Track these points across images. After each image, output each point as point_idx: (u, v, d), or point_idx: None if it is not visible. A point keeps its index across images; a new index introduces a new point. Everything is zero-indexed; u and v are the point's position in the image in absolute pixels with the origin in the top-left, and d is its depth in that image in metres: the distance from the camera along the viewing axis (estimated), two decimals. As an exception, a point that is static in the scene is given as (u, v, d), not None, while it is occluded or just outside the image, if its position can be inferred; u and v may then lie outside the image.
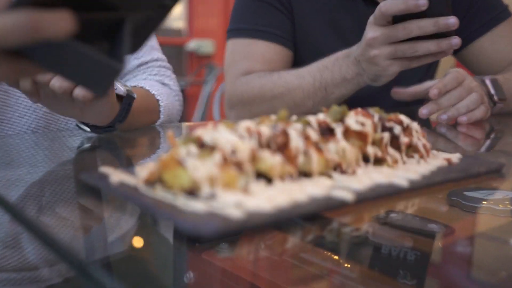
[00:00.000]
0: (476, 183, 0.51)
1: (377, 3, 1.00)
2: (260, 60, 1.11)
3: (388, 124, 0.52)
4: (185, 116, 3.51)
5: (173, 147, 0.41)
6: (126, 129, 0.84)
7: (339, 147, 0.46)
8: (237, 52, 1.14)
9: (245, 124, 0.43)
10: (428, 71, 1.24)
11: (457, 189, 0.48)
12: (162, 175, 0.41)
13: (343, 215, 0.40)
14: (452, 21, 0.83)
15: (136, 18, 0.38)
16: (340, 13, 1.14)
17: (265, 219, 0.35)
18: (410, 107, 1.10)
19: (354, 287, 0.30)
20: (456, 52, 1.22)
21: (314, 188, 0.40)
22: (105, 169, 0.46)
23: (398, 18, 0.85)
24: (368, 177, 0.44)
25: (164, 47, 1.13)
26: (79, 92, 0.69)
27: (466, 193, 0.47)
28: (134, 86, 0.94)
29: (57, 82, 0.68)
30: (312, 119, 0.47)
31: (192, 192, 0.38)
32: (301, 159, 0.43)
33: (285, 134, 0.43)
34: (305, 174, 0.44)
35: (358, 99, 0.97)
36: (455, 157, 0.55)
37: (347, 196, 0.40)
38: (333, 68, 0.97)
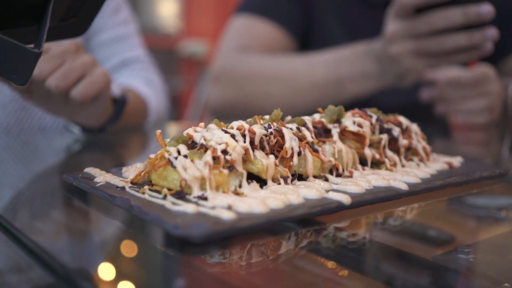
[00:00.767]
0: (478, 188, 0.49)
1: None
2: (259, 39, 1.02)
3: (387, 126, 0.50)
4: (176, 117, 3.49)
5: (162, 147, 0.40)
6: (114, 130, 0.82)
7: (336, 148, 0.45)
8: (237, 27, 1.06)
9: (238, 123, 0.41)
10: None
11: (458, 195, 0.46)
12: (151, 175, 0.39)
13: (338, 219, 0.38)
14: (485, 9, 0.72)
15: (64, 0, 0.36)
16: (359, 18, 1.08)
17: (258, 222, 0.33)
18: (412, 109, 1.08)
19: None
20: (496, 61, 1.06)
21: (309, 191, 0.39)
22: (90, 170, 0.44)
23: (421, 9, 0.74)
24: (365, 180, 0.43)
25: (157, 48, 1.12)
26: (77, 92, 0.66)
27: (467, 198, 0.45)
28: (120, 85, 0.92)
29: (54, 82, 0.64)
30: (307, 119, 0.46)
31: (181, 193, 0.37)
32: (295, 161, 0.42)
33: (279, 134, 0.42)
34: (299, 176, 0.43)
35: (358, 99, 0.92)
36: (457, 160, 0.54)
37: (343, 199, 0.38)
38: (352, 61, 0.87)
